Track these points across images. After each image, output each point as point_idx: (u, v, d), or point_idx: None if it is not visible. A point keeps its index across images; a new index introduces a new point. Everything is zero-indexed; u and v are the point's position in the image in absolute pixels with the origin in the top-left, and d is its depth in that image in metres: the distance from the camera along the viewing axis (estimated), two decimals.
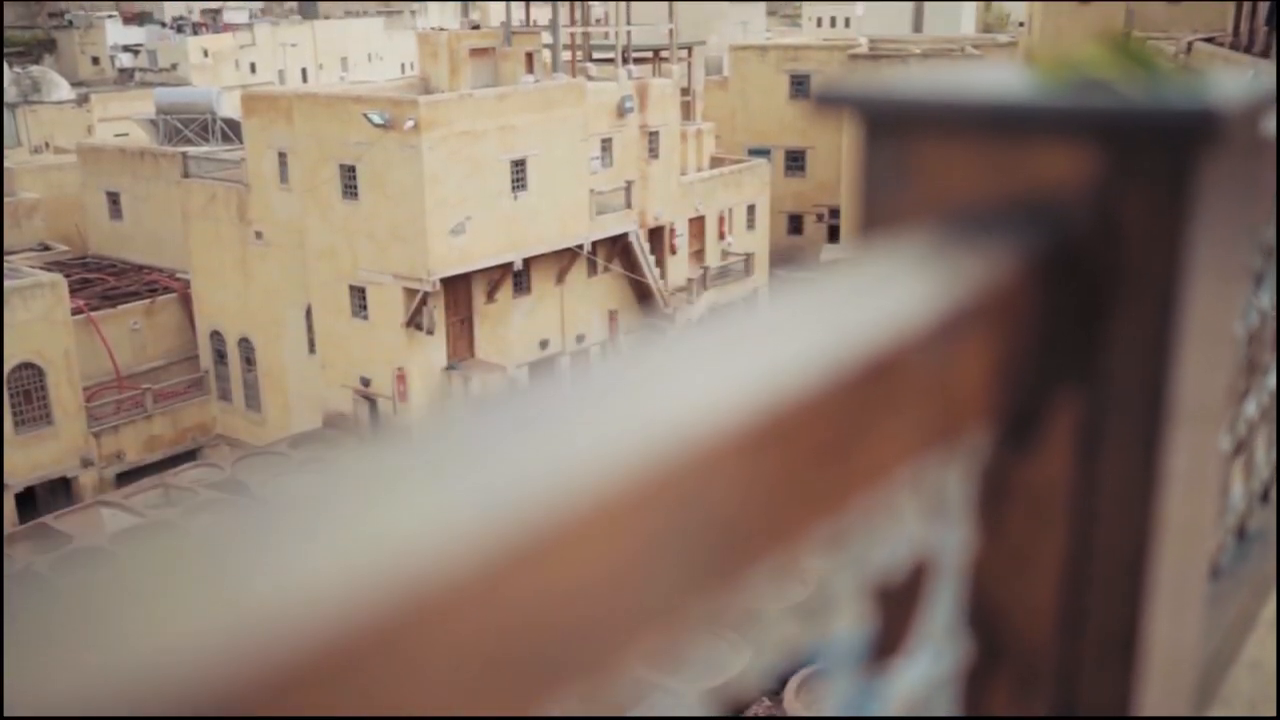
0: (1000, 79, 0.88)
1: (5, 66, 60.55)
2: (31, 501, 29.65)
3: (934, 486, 0.81)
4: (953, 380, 0.72)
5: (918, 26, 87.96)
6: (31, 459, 29.59)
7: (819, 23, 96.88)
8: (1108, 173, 0.82)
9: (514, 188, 29.59)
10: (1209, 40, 33.23)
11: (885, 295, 0.67)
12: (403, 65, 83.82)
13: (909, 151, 0.87)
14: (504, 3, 35.68)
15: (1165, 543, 0.88)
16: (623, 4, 36.35)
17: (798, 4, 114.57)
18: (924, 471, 0.76)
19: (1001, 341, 0.77)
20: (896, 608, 0.83)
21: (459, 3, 44.39)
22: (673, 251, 36.26)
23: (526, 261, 30.74)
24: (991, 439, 0.83)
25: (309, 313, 31.60)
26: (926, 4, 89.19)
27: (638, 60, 38.88)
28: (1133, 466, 0.86)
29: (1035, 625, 0.91)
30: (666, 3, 37.43)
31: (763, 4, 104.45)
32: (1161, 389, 0.84)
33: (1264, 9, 28.07)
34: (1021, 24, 73.11)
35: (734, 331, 0.64)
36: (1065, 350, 0.84)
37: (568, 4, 36.71)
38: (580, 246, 31.92)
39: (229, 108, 41.30)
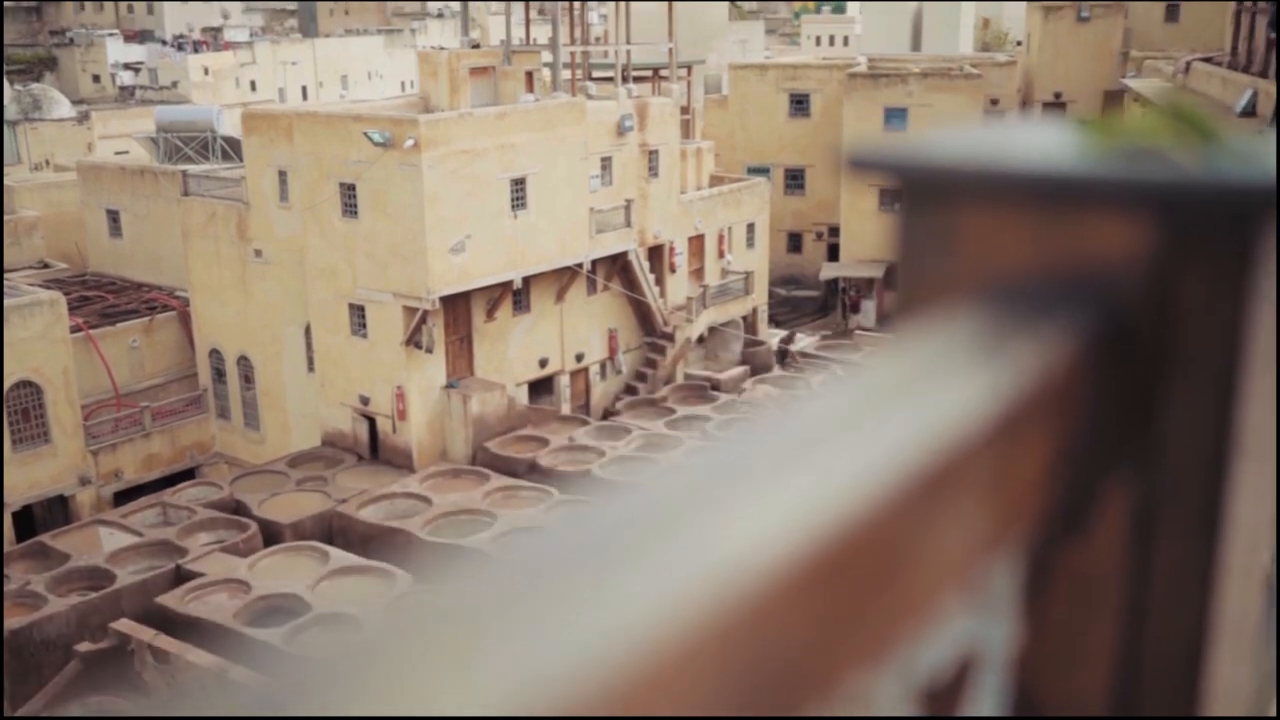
0: (1047, 144, 0.84)
1: (6, 84, 60.66)
2: (29, 520, 29.53)
3: (980, 581, 0.76)
4: (1008, 477, 0.67)
5: (916, 45, 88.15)
6: (29, 477, 29.48)
7: (818, 41, 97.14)
8: (1164, 248, 0.78)
9: (514, 206, 29.58)
10: (1207, 60, 33.34)
11: (940, 392, 0.63)
12: (403, 83, 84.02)
13: (951, 221, 0.82)
14: (504, 21, 35.75)
15: (1222, 637, 0.83)
16: (623, 23, 36.41)
17: (797, 22, 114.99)
18: (973, 569, 0.71)
19: (1057, 431, 0.72)
20: (941, 707, 0.78)
21: (459, 21, 44.48)
22: (672, 270, 36.24)
23: (526, 280, 30.71)
24: (1041, 529, 0.78)
25: (308, 331, 31.55)
26: (925, 22, 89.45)
27: (637, 79, 38.93)
28: (1188, 557, 0.81)
29: None
30: (666, 22, 37.49)
31: (761, 22, 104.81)
32: (1220, 477, 0.79)
33: (1263, 29, 28.14)
34: (1019, 43, 73.35)
35: (785, 444, 0.61)
36: (1119, 434, 0.80)
37: (568, 23, 36.79)
38: (580, 265, 31.90)
39: (229, 126, 41.34)
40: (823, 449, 0.59)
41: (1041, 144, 0.85)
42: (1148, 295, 0.79)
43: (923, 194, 0.83)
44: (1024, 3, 74.16)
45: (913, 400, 0.63)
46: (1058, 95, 51.42)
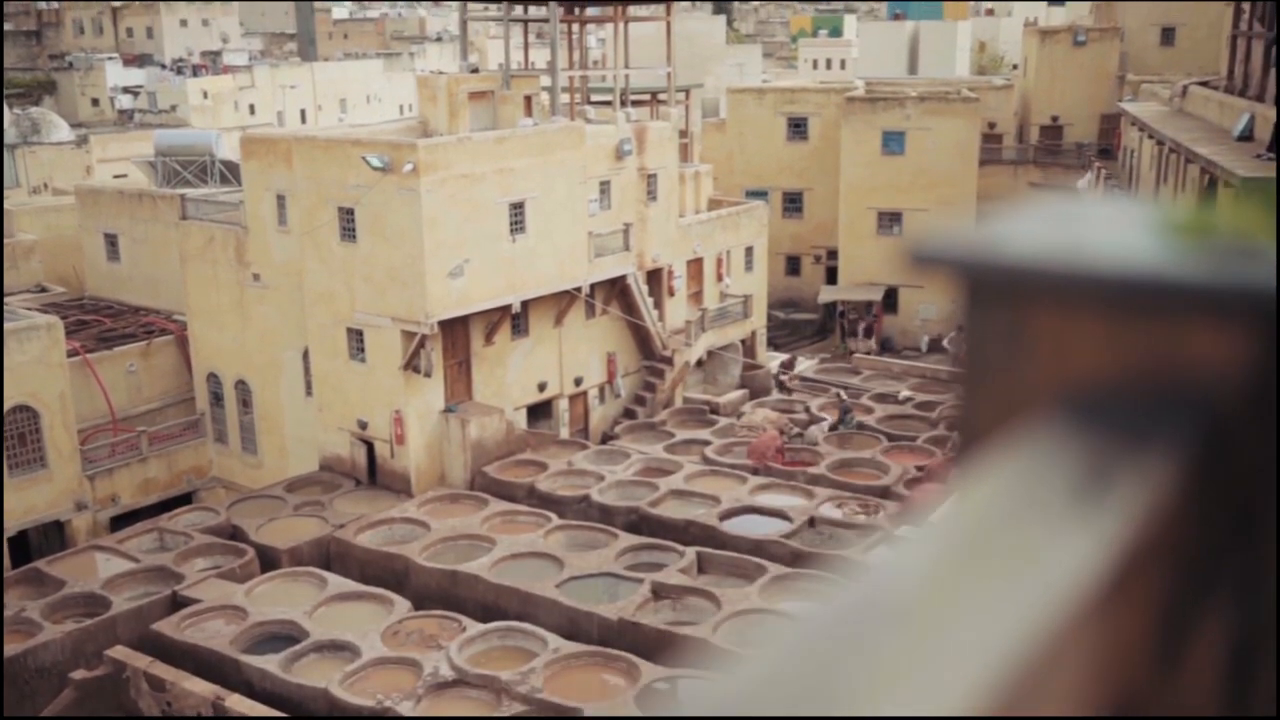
0: (1129, 238, 0.76)
1: (5, 108, 60.73)
2: (25, 546, 29.35)
3: None
4: (1112, 638, 0.61)
5: (913, 68, 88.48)
6: (25, 502, 29.32)
7: (814, 64, 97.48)
8: (1267, 357, 0.71)
9: (512, 230, 29.55)
10: (1204, 84, 33.40)
11: (1043, 549, 0.58)
12: (401, 106, 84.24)
13: (1025, 322, 0.75)
14: (503, 45, 35.83)
15: None
16: (621, 47, 36.50)
17: (794, 46, 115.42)
18: None
19: (1161, 573, 0.65)
20: None
21: (457, 45, 44.57)
22: (671, 293, 36.20)
23: (524, 304, 30.66)
24: (1138, 664, 0.71)
25: (306, 355, 31.46)
26: (921, 46, 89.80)
27: (636, 103, 38.99)
28: None
29: None
30: (664, 45, 37.57)
31: (759, 46, 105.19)
32: None
33: (1259, 53, 28.20)
34: (1015, 66, 73.60)
35: (890, 635, 0.58)
36: (1216, 560, 0.72)
37: (566, 47, 36.88)
38: (578, 289, 31.85)
39: (228, 150, 41.35)
40: (936, 636, 0.55)
41: (1123, 238, 0.77)
42: (1249, 408, 0.72)
43: (994, 293, 0.75)
44: (1020, 26, 74.48)
45: (1014, 560, 0.57)
46: (1055, 118, 51.55)
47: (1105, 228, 0.81)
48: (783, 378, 37.84)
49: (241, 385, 34.03)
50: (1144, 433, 0.69)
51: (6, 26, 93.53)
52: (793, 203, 51.21)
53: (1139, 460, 0.66)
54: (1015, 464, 0.67)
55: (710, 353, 37.21)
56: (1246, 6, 29.73)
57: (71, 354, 31.85)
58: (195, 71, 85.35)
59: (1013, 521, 0.61)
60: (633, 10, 39.07)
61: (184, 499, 33.05)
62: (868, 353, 43.80)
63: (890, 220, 46.70)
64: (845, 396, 33.85)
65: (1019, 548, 0.59)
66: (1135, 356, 0.74)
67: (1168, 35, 49.62)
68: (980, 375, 0.77)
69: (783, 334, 47.91)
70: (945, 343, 42.70)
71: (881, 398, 35.51)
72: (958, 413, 0.77)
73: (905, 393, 36.14)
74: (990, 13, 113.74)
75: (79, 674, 22.01)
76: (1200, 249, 0.74)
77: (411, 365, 28.61)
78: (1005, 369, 0.76)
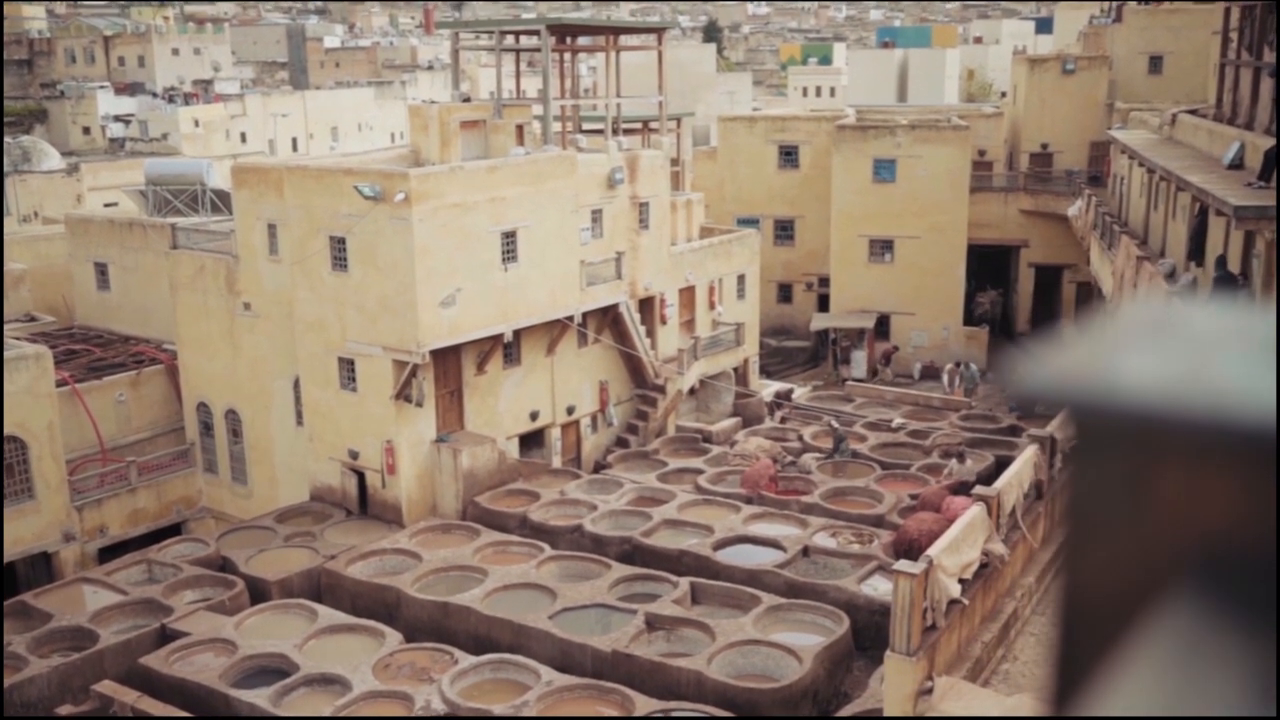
0: (1263, 371, 0.66)
1: None
2: (12, 578, 29.07)
3: None
4: None
5: (902, 96, 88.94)
6: (12, 534, 29.05)
7: (804, 92, 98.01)
8: None
9: (504, 259, 29.51)
10: (1193, 112, 33.54)
11: None
12: (392, 135, 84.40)
13: (1149, 477, 0.65)
14: (494, 73, 35.88)
15: None
16: (612, 75, 36.59)
17: (784, 74, 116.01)
18: None
19: None
20: None
21: (449, 74, 44.68)
22: (663, 321, 36.18)
23: (516, 333, 30.59)
24: None
25: (297, 384, 31.32)
26: (910, 73, 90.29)
27: (627, 131, 39.07)
28: None
29: None
30: (655, 74, 37.67)
31: (749, 74, 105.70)
32: None
33: (1248, 81, 28.32)
34: (1004, 94, 73.99)
35: None
36: None
37: (558, 75, 36.96)
38: (570, 318, 31.80)
39: (219, 179, 41.30)
40: None
41: (1257, 370, 0.67)
42: None
43: (1108, 441, 0.65)
44: (1008, 54, 74.93)
45: None
46: (1045, 146, 51.77)
47: (1232, 355, 0.70)
48: (780, 412, 37.75)
49: (232, 415, 33.86)
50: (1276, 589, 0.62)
51: None
52: (784, 230, 51.30)
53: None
54: (1162, 654, 0.62)
55: (703, 381, 37.15)
56: (1234, 35, 29.89)
57: (60, 384, 31.67)
58: (187, 100, 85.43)
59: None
60: (624, 39, 39.22)
61: (173, 530, 32.81)
62: (888, 381, 43.85)
63: (882, 248, 46.78)
64: (837, 425, 33.76)
65: None
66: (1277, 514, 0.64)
67: (1155, 63, 49.90)
68: (1092, 531, 0.68)
69: (775, 361, 47.89)
70: (944, 373, 42.65)
71: (874, 425, 35.42)
72: (1066, 572, 0.67)
73: (898, 420, 36.06)
74: (978, 40, 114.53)
75: (66, 709, 21.73)
76: None
77: (403, 394, 28.48)
78: (1122, 525, 0.66)
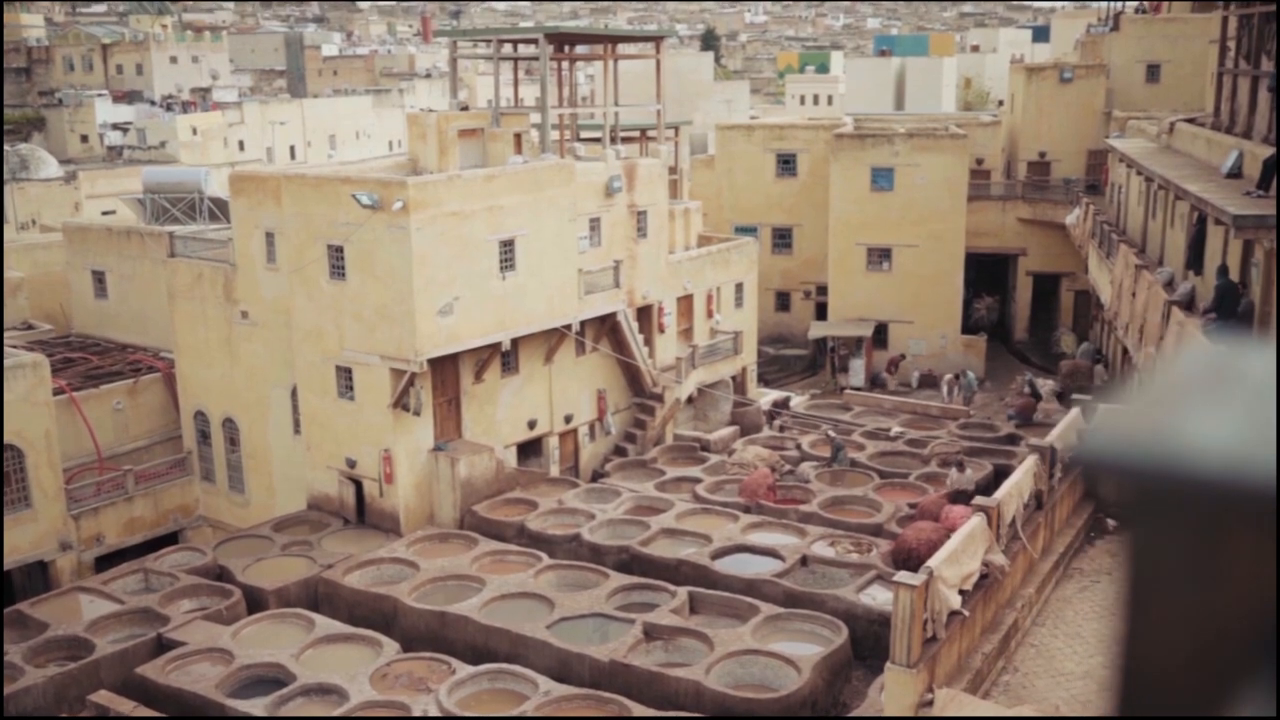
0: None
1: None
2: (8, 587, 28.97)
3: None
4: None
5: (899, 104, 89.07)
6: (9, 542, 28.95)
7: (802, 100, 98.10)
8: None
9: (502, 268, 29.48)
10: (1191, 120, 33.57)
11: None
12: (390, 142, 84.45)
13: (1219, 547, 0.61)
14: (492, 82, 35.89)
15: None
16: (610, 84, 36.60)
17: (781, 82, 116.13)
18: None
19: None
20: None
21: (446, 82, 44.67)
22: (661, 330, 36.14)
23: (514, 341, 30.55)
24: None
25: (294, 393, 31.26)
26: (908, 81, 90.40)
27: (625, 139, 39.08)
28: None
29: None
30: (653, 82, 37.70)
31: (746, 82, 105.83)
32: None
33: (1245, 89, 28.35)
34: (1001, 102, 74.10)
35: None
36: None
37: (556, 84, 36.96)
38: (568, 326, 31.76)
39: (217, 187, 41.27)
40: None
41: None
42: None
43: (1174, 510, 0.60)
44: (1005, 62, 75.04)
45: None
46: (1042, 155, 51.83)
47: None
48: (779, 420, 37.71)
49: (229, 423, 33.80)
50: None
51: None
52: (782, 239, 51.30)
53: None
54: None
55: (701, 389, 37.11)
56: (1232, 44, 29.93)
57: (57, 392, 31.60)
58: (185, 108, 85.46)
59: None
60: (622, 48, 39.24)
61: (170, 538, 32.72)
62: (894, 390, 43.83)
63: (880, 256, 46.78)
64: (834, 434, 33.72)
65: None
66: None
67: (1153, 72, 49.97)
68: (1152, 598, 0.63)
69: (773, 370, 47.85)
70: (942, 383, 42.60)
71: (873, 434, 35.38)
72: (1125, 646, 0.62)
73: (896, 429, 36.03)
74: (976, 49, 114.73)
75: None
76: None
77: (401, 403, 28.43)
78: (1187, 595, 0.62)
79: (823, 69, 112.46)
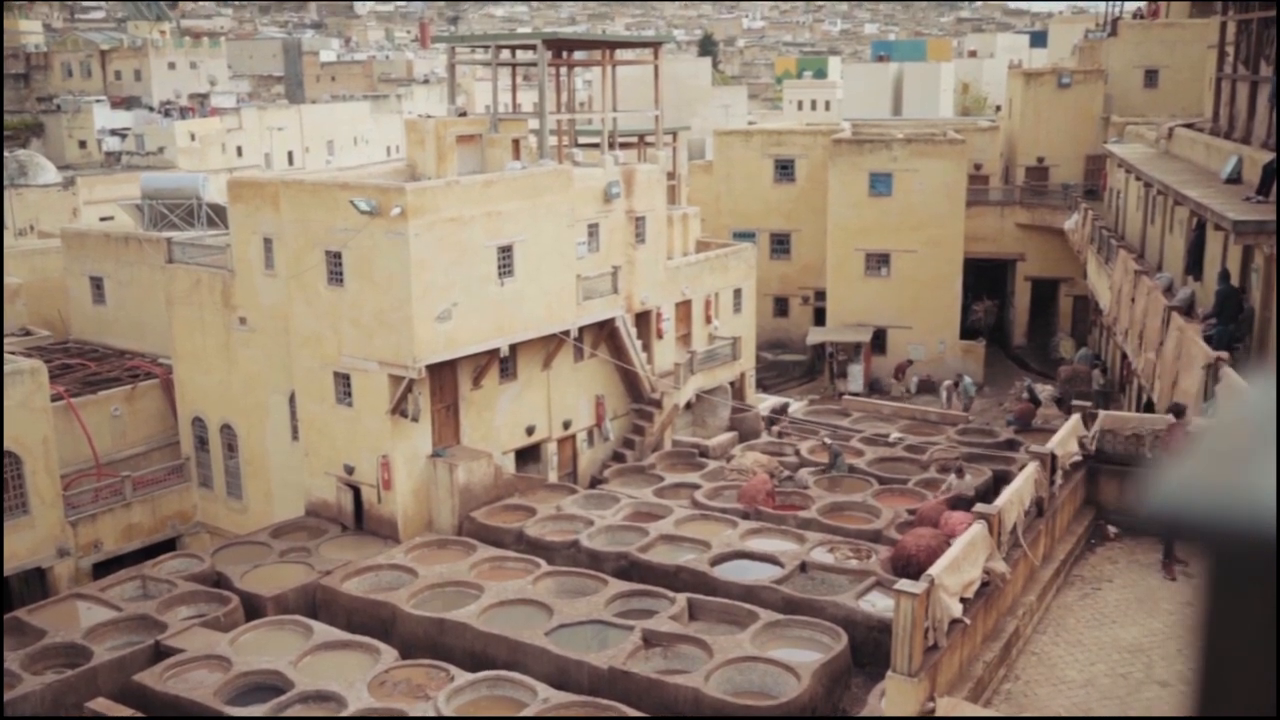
0: None
1: None
2: (6, 594, 28.90)
3: None
4: None
5: (897, 109, 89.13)
6: (7, 549, 28.88)
7: (800, 105, 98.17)
8: None
9: (500, 274, 29.44)
10: (1189, 126, 33.56)
11: None
12: (388, 148, 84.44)
13: None
14: (490, 87, 35.86)
15: None
16: (608, 89, 36.59)
17: (779, 87, 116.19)
18: None
19: None
20: None
21: (445, 87, 44.66)
22: (659, 336, 36.10)
23: (513, 347, 30.50)
24: None
25: (292, 399, 31.20)
26: (905, 87, 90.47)
27: (623, 145, 39.06)
28: None
29: None
30: (651, 88, 37.69)
31: (744, 88, 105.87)
32: None
33: (1244, 95, 28.35)
34: (999, 107, 74.13)
35: None
36: None
37: (553, 90, 36.94)
38: (567, 332, 31.72)
39: (215, 193, 41.24)
40: None
41: None
42: None
43: (1256, 569, 0.57)
44: (1003, 68, 75.06)
45: None
46: (1040, 160, 51.85)
47: None
48: (777, 426, 37.66)
49: (227, 429, 33.74)
50: None
51: None
52: (780, 244, 51.30)
53: None
54: None
55: (699, 395, 37.06)
56: (1231, 50, 29.93)
57: (55, 398, 31.54)
58: (183, 114, 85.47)
59: None
60: (620, 53, 39.23)
61: (168, 545, 32.66)
62: (902, 396, 43.85)
63: (878, 261, 46.77)
64: (831, 441, 33.67)
65: None
66: None
67: (1151, 77, 49.99)
68: (1227, 660, 0.61)
69: (771, 375, 47.83)
70: (941, 388, 42.58)
71: (871, 440, 35.33)
72: (1198, 699, 0.59)
73: (895, 435, 35.98)
74: (973, 54, 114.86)
75: None
76: None
77: (399, 409, 28.38)
78: (1264, 658, 0.60)
79: (820, 74, 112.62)
